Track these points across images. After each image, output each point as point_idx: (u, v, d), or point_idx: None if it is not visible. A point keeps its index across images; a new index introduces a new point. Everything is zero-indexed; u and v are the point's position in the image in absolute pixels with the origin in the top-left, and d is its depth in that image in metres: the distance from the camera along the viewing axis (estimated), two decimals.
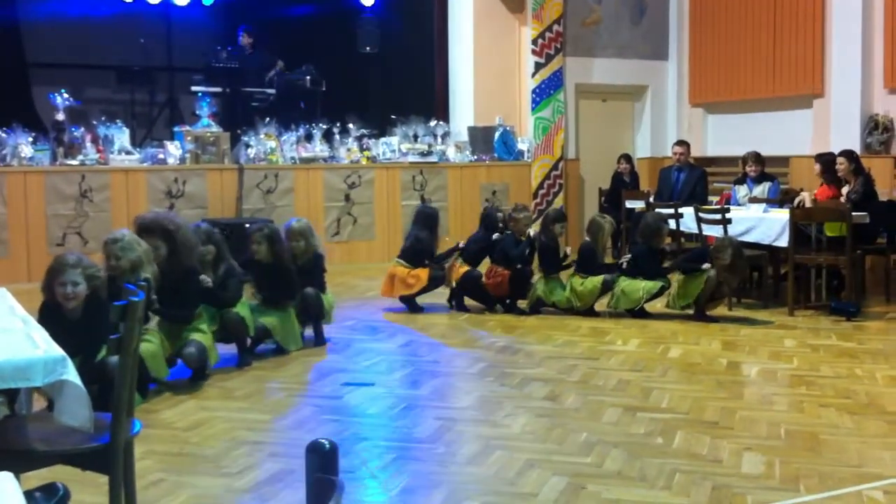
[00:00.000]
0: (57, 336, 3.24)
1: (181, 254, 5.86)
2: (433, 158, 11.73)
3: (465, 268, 8.12)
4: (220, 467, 4.27)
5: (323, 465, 1.58)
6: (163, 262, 5.69)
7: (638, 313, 7.82)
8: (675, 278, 7.82)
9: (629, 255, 8.05)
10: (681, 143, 11.10)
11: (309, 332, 6.93)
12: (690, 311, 7.75)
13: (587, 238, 8.09)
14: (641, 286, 7.73)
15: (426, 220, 8.31)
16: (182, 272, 5.83)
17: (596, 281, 7.86)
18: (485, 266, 8.24)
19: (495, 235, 8.23)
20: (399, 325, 7.69)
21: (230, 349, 6.32)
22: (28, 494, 2.67)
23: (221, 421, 5.00)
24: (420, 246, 8.12)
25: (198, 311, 5.93)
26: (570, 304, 7.92)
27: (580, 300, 7.88)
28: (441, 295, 8.33)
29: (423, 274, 8.04)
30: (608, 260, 8.05)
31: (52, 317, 4.43)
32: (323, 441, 1.59)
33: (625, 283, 7.81)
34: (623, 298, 7.79)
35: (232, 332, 6.24)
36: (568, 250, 8.23)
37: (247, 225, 7.91)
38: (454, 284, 8.18)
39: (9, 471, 2.09)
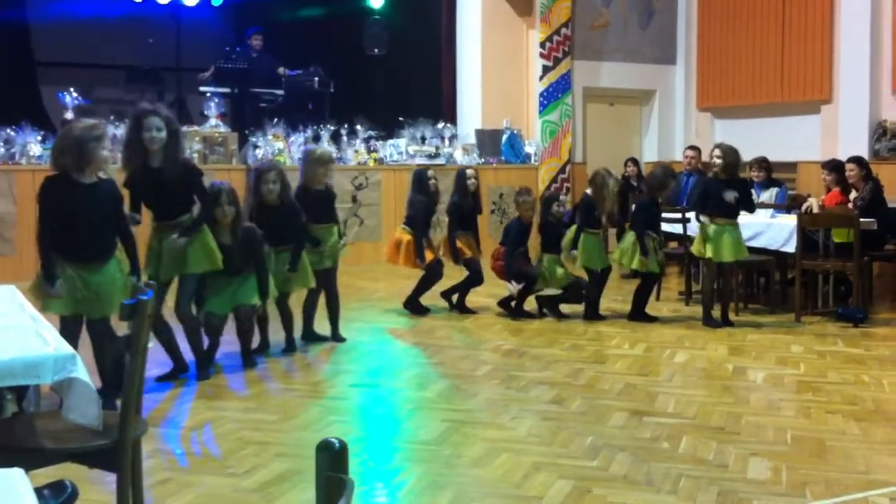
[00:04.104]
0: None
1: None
2: (440, 161, 11.74)
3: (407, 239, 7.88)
4: (227, 467, 4.28)
5: (333, 464, 1.58)
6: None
7: (644, 317, 7.81)
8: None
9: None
10: (693, 147, 11.09)
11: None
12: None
13: (588, 191, 7.97)
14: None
15: (415, 182, 8.15)
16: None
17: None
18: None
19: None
20: (405, 326, 7.69)
21: (235, 348, 6.32)
22: (36, 492, 2.67)
23: (228, 421, 5.01)
24: (412, 209, 8.01)
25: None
26: (567, 278, 7.85)
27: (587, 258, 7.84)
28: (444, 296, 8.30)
29: (428, 254, 7.91)
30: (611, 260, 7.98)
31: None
32: (333, 440, 1.59)
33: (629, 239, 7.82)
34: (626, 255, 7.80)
35: (241, 326, 6.23)
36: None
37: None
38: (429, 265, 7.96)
39: (18, 468, 2.10)
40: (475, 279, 8.11)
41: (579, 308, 7.98)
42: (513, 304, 7.99)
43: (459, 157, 11.99)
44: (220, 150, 10.59)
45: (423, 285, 8.08)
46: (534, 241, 8.16)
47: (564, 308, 8.02)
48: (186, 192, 5.75)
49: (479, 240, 8.30)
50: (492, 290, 8.56)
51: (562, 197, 8.40)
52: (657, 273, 7.90)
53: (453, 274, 8.32)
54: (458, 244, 8.02)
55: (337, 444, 1.60)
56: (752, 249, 8.14)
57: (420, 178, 8.09)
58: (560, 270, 7.90)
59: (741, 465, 4.32)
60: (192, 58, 13.91)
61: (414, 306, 8.13)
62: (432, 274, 8.02)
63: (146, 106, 5.73)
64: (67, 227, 4.91)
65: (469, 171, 8.19)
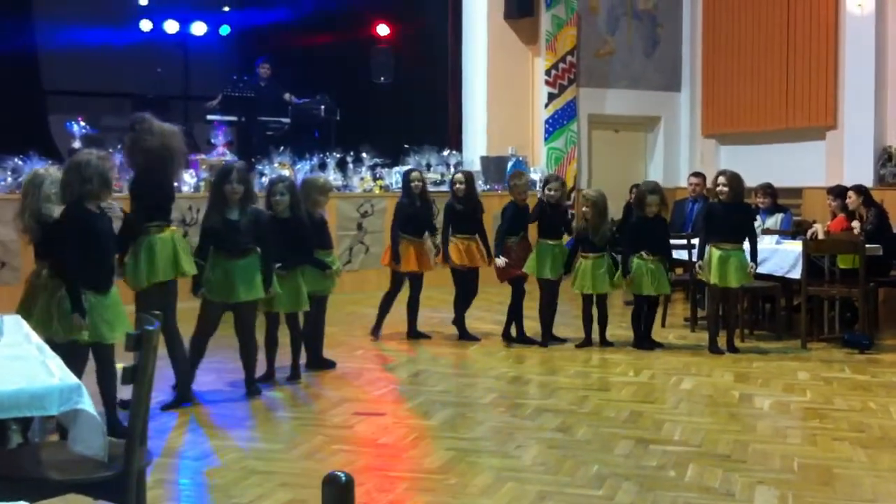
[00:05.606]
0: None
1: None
2: (446, 188, 11.75)
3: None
4: (232, 497, 4.27)
5: (339, 498, 1.58)
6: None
7: (649, 344, 7.80)
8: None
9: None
10: (697, 174, 11.08)
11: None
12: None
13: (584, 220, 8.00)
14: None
15: (402, 184, 8.22)
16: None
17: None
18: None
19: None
20: (409, 354, 7.68)
21: (239, 377, 6.31)
22: None
23: (232, 450, 5.01)
24: (398, 213, 8.03)
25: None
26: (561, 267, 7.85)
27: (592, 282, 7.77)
28: (449, 322, 8.27)
29: (408, 258, 7.90)
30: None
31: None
32: (339, 473, 1.59)
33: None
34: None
35: (243, 344, 6.24)
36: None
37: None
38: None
39: (23, 499, 2.10)
40: (460, 292, 8.10)
41: (582, 334, 7.96)
42: (513, 332, 7.99)
43: None
44: None
45: (411, 305, 8.10)
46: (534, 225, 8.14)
47: (565, 332, 8.02)
48: (139, 199, 5.81)
49: (487, 244, 8.13)
50: (496, 317, 8.56)
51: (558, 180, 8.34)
52: (649, 295, 7.83)
53: (444, 282, 8.31)
54: (452, 249, 7.93)
55: (343, 478, 1.60)
56: (757, 275, 8.12)
57: (403, 181, 8.21)
58: (560, 257, 7.85)
59: (748, 493, 4.30)
60: (199, 86, 14.01)
61: (413, 333, 8.14)
62: (395, 288, 8.07)
63: (132, 117, 5.90)
64: (89, 255, 4.98)
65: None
